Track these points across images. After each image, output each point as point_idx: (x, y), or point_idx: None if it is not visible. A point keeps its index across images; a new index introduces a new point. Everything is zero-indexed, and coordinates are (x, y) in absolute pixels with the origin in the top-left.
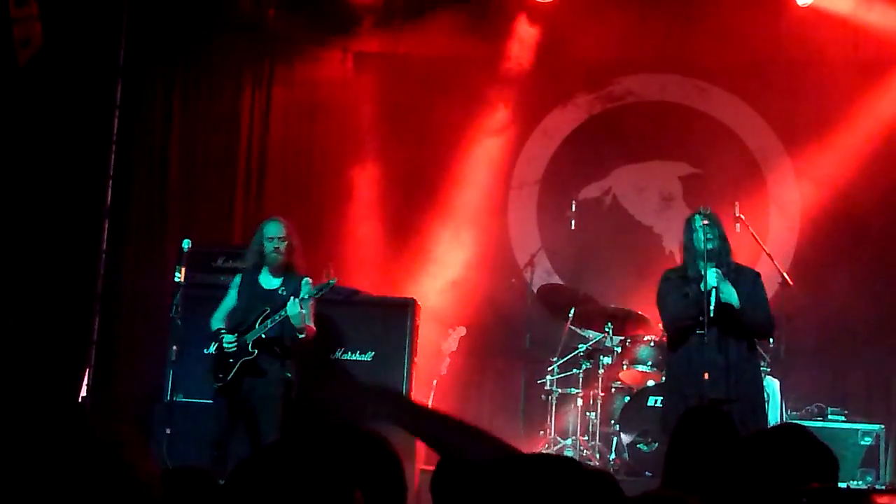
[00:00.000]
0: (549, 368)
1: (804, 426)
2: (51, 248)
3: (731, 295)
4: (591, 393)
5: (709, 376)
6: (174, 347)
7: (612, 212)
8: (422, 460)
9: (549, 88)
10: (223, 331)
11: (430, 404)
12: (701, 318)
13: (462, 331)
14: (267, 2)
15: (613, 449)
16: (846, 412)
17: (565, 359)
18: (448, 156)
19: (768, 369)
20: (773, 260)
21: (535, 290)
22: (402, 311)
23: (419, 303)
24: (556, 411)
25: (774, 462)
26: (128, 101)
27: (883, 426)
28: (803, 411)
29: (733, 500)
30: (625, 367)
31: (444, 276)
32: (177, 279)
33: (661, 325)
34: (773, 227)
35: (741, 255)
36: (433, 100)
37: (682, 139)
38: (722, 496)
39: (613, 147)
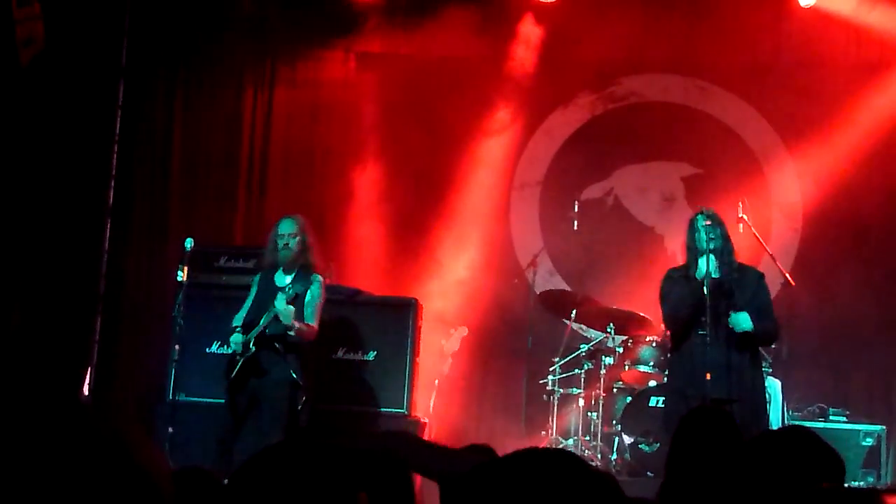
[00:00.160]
0: (551, 368)
1: (809, 428)
2: (53, 248)
3: (745, 322)
4: (593, 393)
5: (711, 376)
6: (177, 346)
7: (615, 212)
8: None
9: (552, 89)
10: (237, 329)
11: (431, 406)
12: (703, 318)
13: (464, 331)
14: (269, 2)
15: (615, 449)
16: (847, 413)
17: (567, 359)
18: (450, 156)
19: (770, 370)
20: (775, 260)
21: (538, 295)
22: (404, 312)
23: (421, 303)
24: (557, 411)
25: (780, 463)
26: (130, 101)
27: (884, 427)
28: (805, 412)
29: (737, 502)
30: (626, 367)
31: (446, 277)
32: (179, 278)
33: (662, 326)
34: (775, 228)
35: (743, 256)
36: (435, 100)
37: (685, 140)
38: (725, 497)
39: (616, 147)
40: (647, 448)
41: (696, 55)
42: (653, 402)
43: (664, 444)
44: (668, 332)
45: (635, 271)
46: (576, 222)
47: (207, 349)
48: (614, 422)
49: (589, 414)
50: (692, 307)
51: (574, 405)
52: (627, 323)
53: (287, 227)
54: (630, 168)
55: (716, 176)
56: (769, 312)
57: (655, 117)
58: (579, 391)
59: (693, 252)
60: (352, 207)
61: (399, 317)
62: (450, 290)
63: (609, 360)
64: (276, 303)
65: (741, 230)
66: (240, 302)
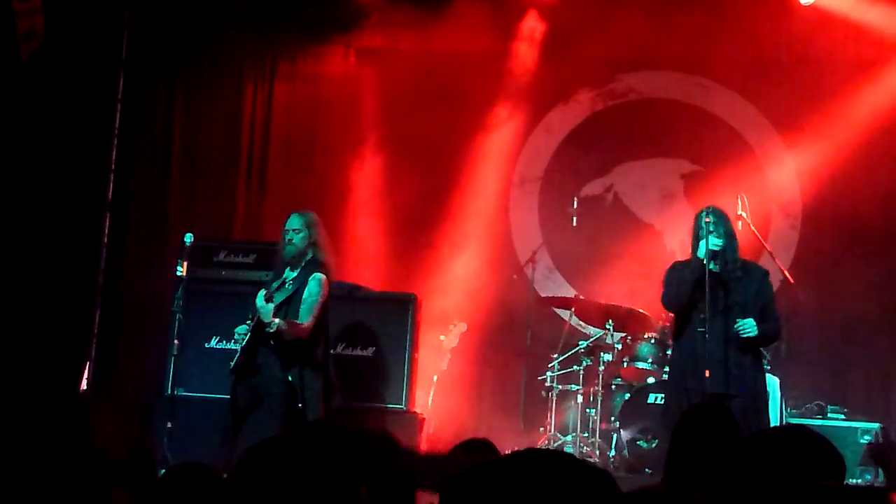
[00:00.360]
0: (550, 365)
1: (809, 426)
2: (52, 242)
3: (752, 328)
4: (592, 390)
5: (713, 371)
6: (176, 341)
7: (614, 209)
8: None
9: (552, 85)
10: (248, 321)
11: (430, 402)
12: (703, 316)
13: (463, 327)
14: None
15: (613, 446)
16: (846, 410)
17: (566, 355)
18: (450, 152)
19: (768, 367)
20: (773, 257)
21: (539, 298)
22: (403, 307)
23: (420, 298)
24: (556, 408)
25: (780, 461)
26: (130, 95)
27: (882, 424)
28: (803, 409)
29: (737, 498)
30: (625, 363)
31: (445, 272)
32: (178, 273)
33: (663, 315)
34: (773, 225)
35: (742, 253)
36: (435, 96)
37: (684, 136)
38: (724, 493)
39: (615, 144)
40: (645, 445)
41: (697, 52)
42: (651, 398)
43: (662, 441)
44: (668, 324)
45: (634, 268)
46: (575, 219)
47: (206, 344)
48: (612, 418)
49: (587, 410)
50: (691, 284)
51: (572, 402)
52: (626, 320)
53: (292, 223)
54: (630, 165)
55: (715, 173)
56: (772, 311)
57: (655, 114)
58: (578, 388)
59: (697, 249)
60: (351, 202)
61: (398, 312)
62: (449, 286)
63: (607, 357)
64: (257, 300)
65: (740, 227)
66: (238, 297)
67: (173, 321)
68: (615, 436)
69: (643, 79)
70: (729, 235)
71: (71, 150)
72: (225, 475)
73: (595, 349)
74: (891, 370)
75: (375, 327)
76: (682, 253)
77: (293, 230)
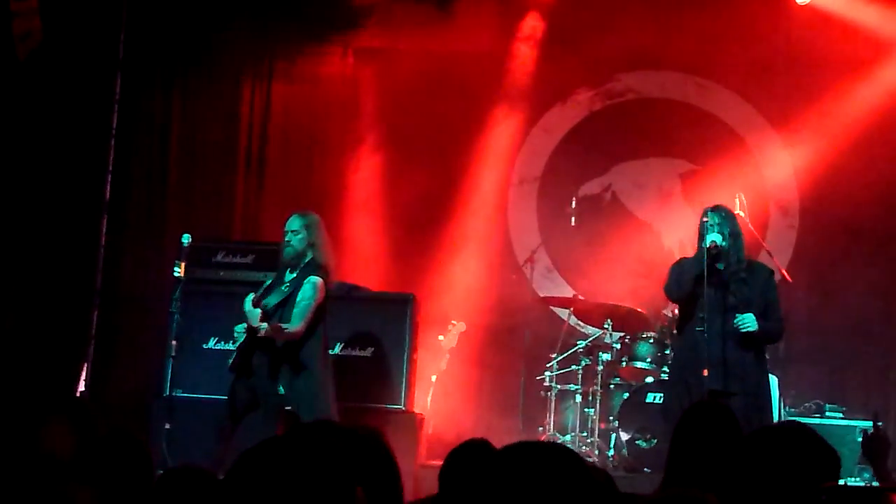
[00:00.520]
0: (549, 365)
1: (805, 424)
2: (50, 243)
3: (752, 323)
4: (590, 389)
5: (712, 370)
6: (174, 342)
7: (612, 208)
8: (422, 456)
9: (550, 85)
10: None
11: (429, 402)
12: (702, 315)
13: (462, 327)
14: None
15: (612, 445)
16: (844, 409)
17: (564, 355)
18: (449, 152)
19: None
20: (772, 256)
21: (539, 298)
22: (401, 307)
23: (419, 299)
24: (554, 407)
25: (777, 459)
26: (127, 95)
27: (881, 423)
28: (801, 408)
29: (737, 497)
30: (624, 363)
31: (443, 272)
32: (176, 274)
33: (662, 315)
34: (771, 224)
35: None
36: (433, 96)
37: (682, 136)
38: (725, 492)
39: (613, 144)
40: (644, 444)
41: (694, 52)
42: (650, 398)
43: (661, 440)
44: (667, 323)
45: (633, 267)
46: (573, 218)
47: (204, 345)
48: (611, 418)
49: (586, 410)
50: (692, 276)
51: (571, 401)
52: (625, 319)
53: (291, 224)
54: (628, 164)
55: (713, 172)
56: (776, 311)
57: (653, 114)
58: (576, 387)
59: (701, 246)
60: (349, 203)
61: (397, 313)
62: (448, 286)
63: (606, 357)
64: (244, 304)
65: None
66: (236, 297)
67: (171, 322)
68: (614, 435)
69: (641, 78)
70: (734, 235)
71: (68, 151)
72: (220, 476)
73: (594, 349)
74: (889, 368)
75: (374, 328)
76: (680, 252)
77: (292, 231)
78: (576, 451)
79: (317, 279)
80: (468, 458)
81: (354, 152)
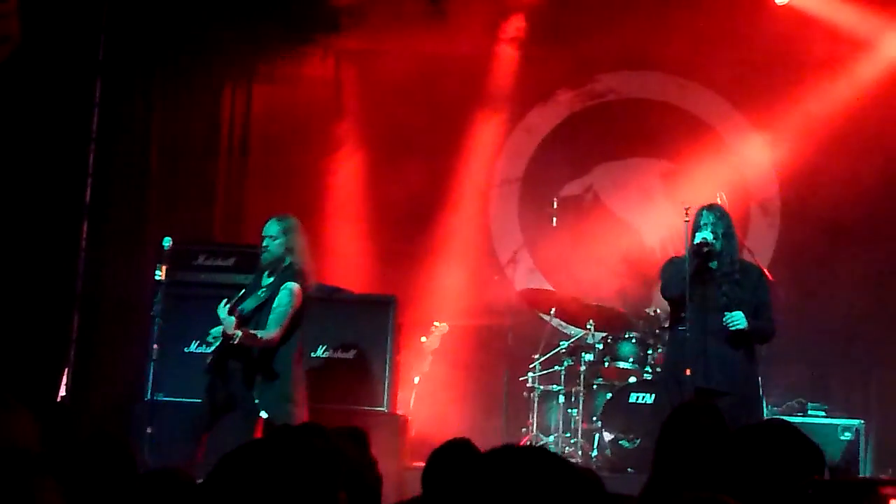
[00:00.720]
0: (531, 366)
1: (789, 422)
2: (30, 247)
3: (741, 320)
4: (573, 390)
5: (705, 368)
6: (155, 346)
7: (594, 208)
8: (405, 458)
9: (531, 86)
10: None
11: (412, 404)
12: (683, 314)
13: (445, 328)
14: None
15: (596, 445)
16: (826, 407)
17: (547, 356)
18: (430, 153)
19: None
20: (753, 256)
21: (518, 292)
22: (383, 309)
23: (401, 300)
24: (538, 408)
25: (761, 456)
26: (107, 98)
27: (863, 421)
28: (784, 407)
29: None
30: (606, 363)
31: (426, 274)
32: (157, 277)
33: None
34: (752, 223)
35: None
36: (415, 98)
37: (663, 136)
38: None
39: (594, 144)
40: (627, 444)
41: (675, 52)
42: (633, 398)
43: (644, 440)
44: (650, 323)
45: (615, 267)
46: (555, 219)
47: (186, 349)
48: (594, 418)
49: (569, 411)
50: (688, 273)
51: (554, 402)
52: (607, 319)
53: (269, 229)
54: (609, 164)
55: (693, 172)
56: (766, 310)
57: (634, 114)
58: (559, 388)
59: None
60: (331, 205)
61: (379, 314)
62: (430, 288)
63: (589, 357)
64: (219, 310)
65: None
66: (218, 300)
67: (153, 325)
68: (597, 435)
69: (622, 79)
70: (728, 235)
71: (48, 155)
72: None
73: (576, 349)
74: (871, 367)
75: (356, 330)
76: (661, 251)
77: (269, 236)
78: (559, 451)
79: (294, 285)
80: (451, 458)
81: (336, 154)
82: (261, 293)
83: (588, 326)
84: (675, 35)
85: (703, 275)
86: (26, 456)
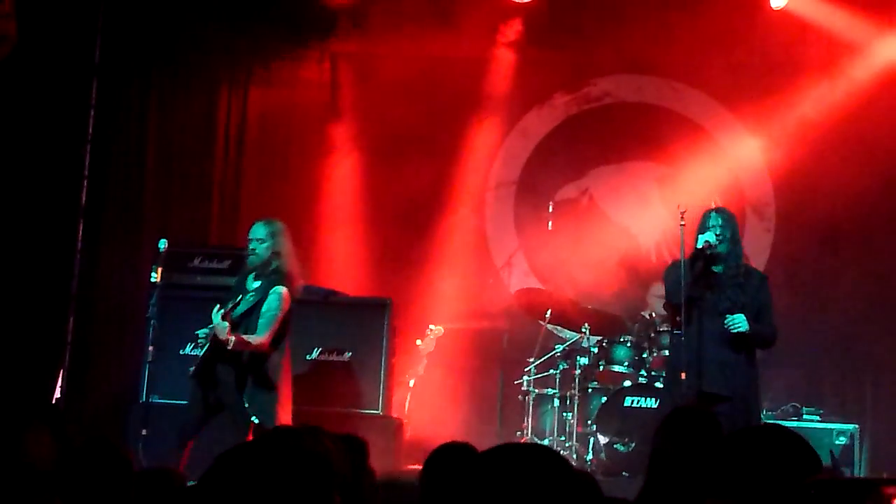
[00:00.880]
0: (526, 369)
1: (786, 426)
2: (25, 248)
3: (742, 323)
4: (568, 393)
5: (706, 373)
6: (150, 348)
7: (589, 212)
8: (400, 461)
9: (527, 89)
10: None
11: (407, 407)
12: (678, 318)
13: (440, 331)
14: (243, 2)
15: (590, 449)
16: (821, 412)
17: (542, 359)
18: (426, 157)
19: None
20: (748, 260)
21: (513, 293)
22: (378, 312)
23: (396, 303)
24: (532, 412)
25: (758, 460)
26: (103, 100)
27: (857, 426)
28: (779, 411)
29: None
30: (601, 367)
31: (421, 277)
32: (153, 279)
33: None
34: (748, 228)
35: None
36: (410, 101)
37: (659, 140)
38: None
39: (590, 148)
40: (622, 448)
41: (670, 56)
42: (628, 402)
43: (639, 444)
44: (645, 326)
45: (610, 271)
46: (551, 222)
47: (181, 351)
48: (589, 422)
49: (564, 414)
50: (693, 276)
51: (549, 405)
52: (602, 323)
53: (255, 232)
54: (605, 168)
55: (689, 176)
56: (768, 315)
57: (629, 118)
58: (554, 391)
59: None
60: (326, 208)
61: (374, 317)
62: (426, 291)
63: (584, 361)
64: (213, 316)
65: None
66: (213, 302)
67: (148, 327)
68: (592, 439)
69: (618, 83)
70: (734, 239)
71: (44, 156)
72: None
73: (571, 353)
74: (865, 371)
75: (352, 332)
76: (657, 255)
77: (256, 240)
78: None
79: (282, 289)
80: (447, 461)
81: (331, 157)
82: (249, 297)
83: (583, 330)
84: (672, 39)
85: (708, 278)
86: (44, 474)
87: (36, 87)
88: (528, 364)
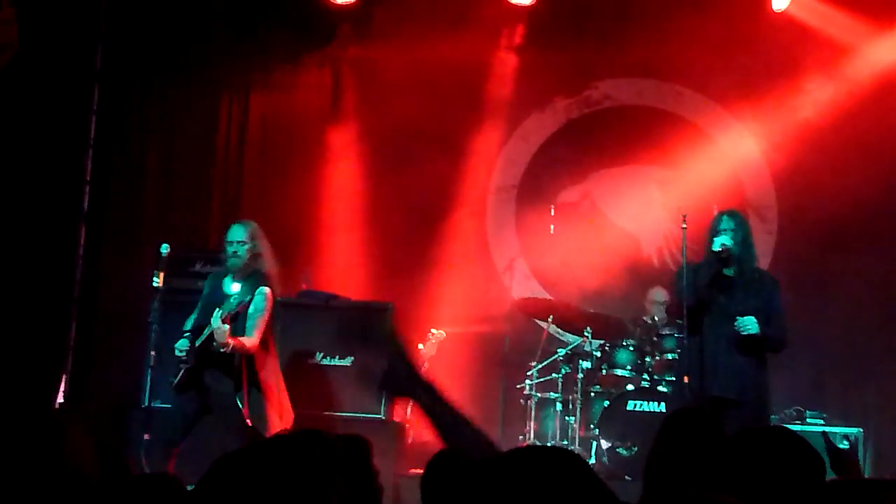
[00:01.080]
0: (528, 373)
1: (791, 429)
2: (27, 254)
3: (752, 326)
4: (570, 397)
5: (717, 377)
6: (152, 353)
7: (591, 216)
8: (403, 466)
9: (527, 93)
10: (186, 334)
11: (409, 411)
12: (679, 321)
13: (441, 335)
14: (245, 7)
15: (593, 453)
16: (825, 415)
17: (544, 363)
18: (426, 161)
19: None
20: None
21: (515, 301)
22: (380, 316)
23: (398, 307)
24: (535, 416)
25: (762, 463)
26: (105, 105)
27: (861, 429)
28: (782, 414)
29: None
30: (604, 371)
31: (423, 281)
32: (155, 284)
33: (641, 321)
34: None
35: None
36: (411, 105)
37: (660, 143)
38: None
39: (591, 151)
40: (624, 452)
41: (671, 59)
42: (630, 406)
43: (641, 448)
44: (651, 323)
45: (612, 275)
46: (552, 226)
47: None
48: (592, 426)
49: (566, 418)
50: (707, 280)
51: (551, 409)
52: (604, 327)
53: (235, 234)
54: (606, 172)
55: (691, 179)
56: (779, 319)
57: (631, 121)
58: (557, 395)
59: (708, 251)
60: (327, 213)
61: (375, 322)
62: (427, 295)
63: (586, 364)
64: (213, 320)
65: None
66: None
67: (150, 332)
68: (594, 443)
69: (619, 86)
70: (747, 243)
71: (46, 161)
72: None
73: (573, 357)
74: (869, 374)
75: (353, 336)
76: (658, 259)
77: (238, 242)
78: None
79: (267, 290)
80: (448, 466)
81: (332, 161)
82: (233, 300)
83: (585, 334)
84: (673, 42)
85: (720, 282)
86: (84, 485)
87: (38, 93)
88: (530, 368)
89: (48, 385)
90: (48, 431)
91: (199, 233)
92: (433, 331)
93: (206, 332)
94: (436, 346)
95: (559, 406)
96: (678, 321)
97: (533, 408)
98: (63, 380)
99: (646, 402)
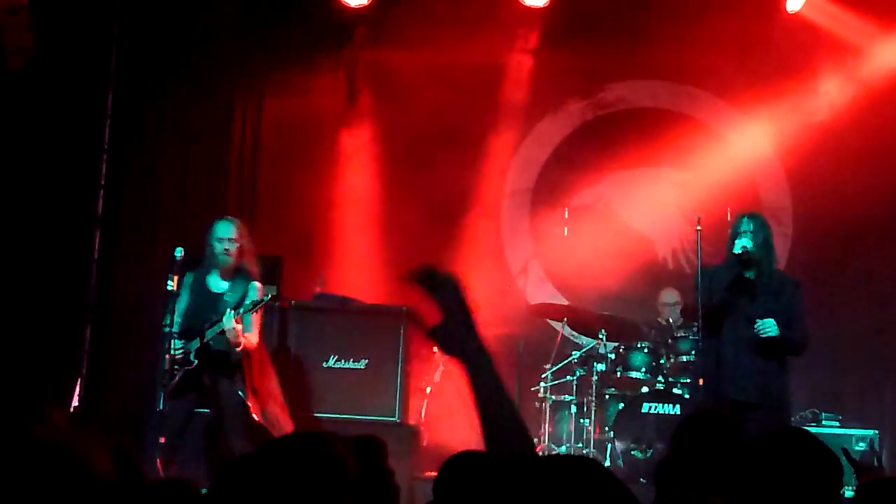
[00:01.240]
0: (543, 375)
1: (809, 431)
2: (42, 257)
3: (772, 328)
4: (585, 400)
5: (737, 380)
6: (167, 356)
7: (605, 218)
8: (417, 468)
9: (542, 95)
10: (174, 334)
11: (423, 414)
12: (695, 325)
13: None
14: (259, 10)
15: (608, 456)
16: (840, 418)
17: (559, 366)
18: (440, 163)
19: None
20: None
21: (528, 307)
22: (395, 319)
23: (412, 310)
24: (549, 418)
25: (779, 465)
26: (119, 109)
27: (877, 431)
28: (797, 417)
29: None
30: (618, 373)
31: None
32: (169, 287)
33: (657, 323)
34: None
35: None
36: (426, 108)
37: (674, 145)
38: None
39: (605, 154)
40: (639, 454)
41: (685, 61)
42: (645, 408)
43: (657, 451)
44: (666, 325)
45: (626, 277)
46: (566, 228)
47: None
48: (606, 428)
49: (581, 421)
50: (727, 283)
51: (566, 412)
52: (619, 329)
53: (225, 231)
54: (620, 174)
55: (705, 181)
56: (799, 322)
57: (645, 123)
58: (571, 398)
59: (729, 253)
60: (341, 216)
61: (390, 325)
62: None
63: (601, 367)
64: (225, 321)
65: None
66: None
67: (164, 335)
68: (609, 446)
69: (633, 88)
70: (768, 245)
71: (61, 165)
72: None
73: (588, 359)
74: (885, 377)
75: (368, 340)
76: (673, 261)
77: (229, 239)
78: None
79: (258, 284)
80: (462, 469)
81: (345, 165)
82: (228, 297)
83: (600, 336)
84: (687, 44)
85: (740, 284)
86: (111, 491)
87: (52, 98)
88: (545, 370)
89: (63, 389)
90: (63, 436)
91: None
92: None
93: (215, 330)
94: None
95: (574, 409)
96: (693, 323)
97: (548, 410)
98: (78, 383)
99: (661, 405)
